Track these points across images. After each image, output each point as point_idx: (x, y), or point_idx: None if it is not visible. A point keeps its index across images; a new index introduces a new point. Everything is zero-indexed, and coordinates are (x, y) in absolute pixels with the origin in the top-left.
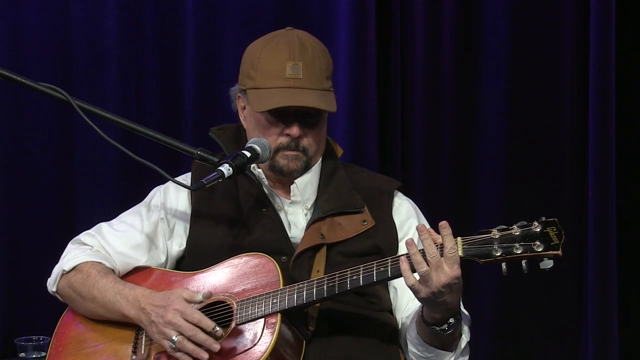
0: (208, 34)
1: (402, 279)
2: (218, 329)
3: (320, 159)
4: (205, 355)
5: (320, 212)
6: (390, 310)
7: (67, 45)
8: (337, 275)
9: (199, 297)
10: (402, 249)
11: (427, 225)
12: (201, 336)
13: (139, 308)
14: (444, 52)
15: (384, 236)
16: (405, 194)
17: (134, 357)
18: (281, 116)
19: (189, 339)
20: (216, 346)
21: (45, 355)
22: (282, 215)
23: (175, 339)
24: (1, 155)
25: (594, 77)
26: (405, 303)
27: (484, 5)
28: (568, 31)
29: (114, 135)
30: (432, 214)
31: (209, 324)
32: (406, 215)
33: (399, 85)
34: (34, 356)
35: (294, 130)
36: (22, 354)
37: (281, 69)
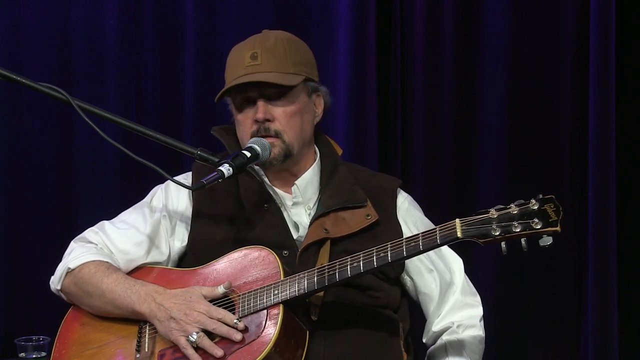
0: (208, 33)
1: (422, 284)
2: (239, 322)
3: (318, 157)
4: (220, 352)
5: (324, 208)
6: (394, 308)
7: (67, 45)
8: (338, 263)
9: (220, 290)
10: None
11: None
12: (224, 329)
13: (153, 303)
14: (444, 52)
15: (389, 237)
16: (405, 191)
17: (137, 356)
18: (247, 103)
19: (212, 332)
20: (238, 336)
21: (45, 355)
22: (284, 213)
23: (196, 336)
24: (1, 155)
25: (594, 77)
26: (436, 311)
27: (484, 5)
28: (568, 31)
29: (114, 135)
30: (432, 214)
31: (231, 317)
32: (409, 213)
33: (399, 85)
34: (34, 356)
35: (259, 111)
36: (22, 354)
37: (241, 59)
